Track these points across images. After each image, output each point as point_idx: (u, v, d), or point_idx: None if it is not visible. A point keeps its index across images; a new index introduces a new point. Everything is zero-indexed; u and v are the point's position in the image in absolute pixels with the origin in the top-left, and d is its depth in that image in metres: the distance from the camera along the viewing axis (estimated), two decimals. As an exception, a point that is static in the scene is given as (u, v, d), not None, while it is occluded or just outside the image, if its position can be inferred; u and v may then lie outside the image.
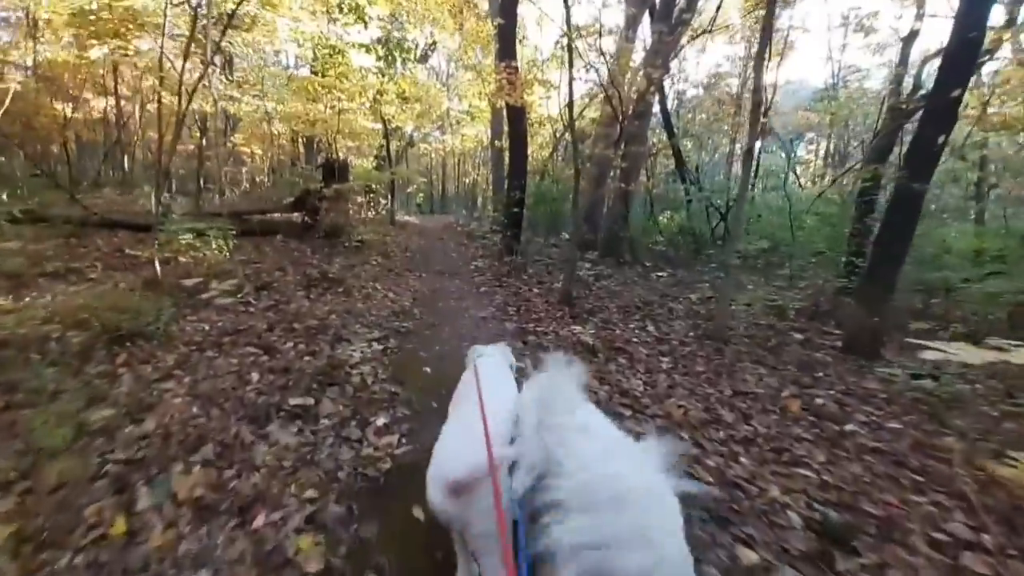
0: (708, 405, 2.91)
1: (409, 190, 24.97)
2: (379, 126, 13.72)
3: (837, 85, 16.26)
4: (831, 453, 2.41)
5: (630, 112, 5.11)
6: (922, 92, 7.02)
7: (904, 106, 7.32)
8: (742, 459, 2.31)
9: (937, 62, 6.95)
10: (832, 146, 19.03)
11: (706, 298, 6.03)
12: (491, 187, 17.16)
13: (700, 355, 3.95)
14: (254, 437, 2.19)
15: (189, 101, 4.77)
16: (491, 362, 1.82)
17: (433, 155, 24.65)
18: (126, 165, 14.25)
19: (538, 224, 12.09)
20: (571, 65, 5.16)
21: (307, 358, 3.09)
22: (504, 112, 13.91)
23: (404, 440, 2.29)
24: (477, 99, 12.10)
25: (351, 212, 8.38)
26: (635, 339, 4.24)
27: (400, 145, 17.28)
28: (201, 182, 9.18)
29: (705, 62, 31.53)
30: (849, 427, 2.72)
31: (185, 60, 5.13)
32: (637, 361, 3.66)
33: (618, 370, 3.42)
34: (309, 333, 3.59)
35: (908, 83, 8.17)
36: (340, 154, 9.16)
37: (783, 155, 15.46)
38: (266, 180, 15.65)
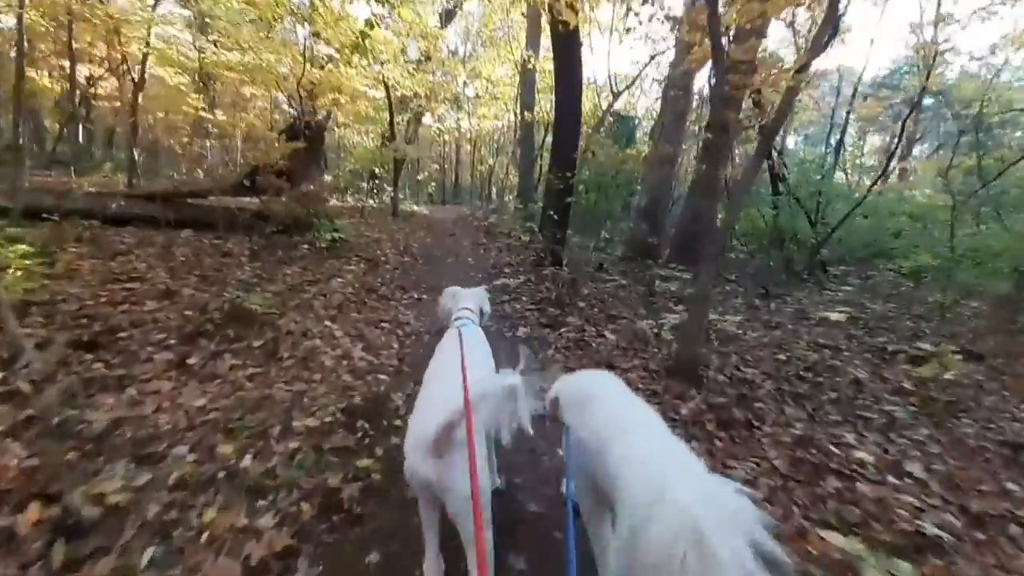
0: None
1: (420, 177, 22.47)
2: (381, 94, 11.26)
3: (917, 66, 13.62)
4: None
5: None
6: None
7: None
8: None
9: None
10: (901, 137, 16.39)
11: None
12: (517, 172, 14.59)
13: None
14: None
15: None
16: (474, 332, 1.74)
17: (447, 137, 22.05)
18: (81, 138, 12.04)
19: (574, 220, 9.50)
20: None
21: None
22: (544, 72, 11.27)
23: None
24: (509, 54, 9.49)
25: (326, 196, 5.92)
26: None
27: (409, 121, 14.71)
28: (135, 153, 6.79)
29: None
30: None
31: None
32: None
33: None
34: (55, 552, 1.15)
35: None
36: (318, 116, 6.66)
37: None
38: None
